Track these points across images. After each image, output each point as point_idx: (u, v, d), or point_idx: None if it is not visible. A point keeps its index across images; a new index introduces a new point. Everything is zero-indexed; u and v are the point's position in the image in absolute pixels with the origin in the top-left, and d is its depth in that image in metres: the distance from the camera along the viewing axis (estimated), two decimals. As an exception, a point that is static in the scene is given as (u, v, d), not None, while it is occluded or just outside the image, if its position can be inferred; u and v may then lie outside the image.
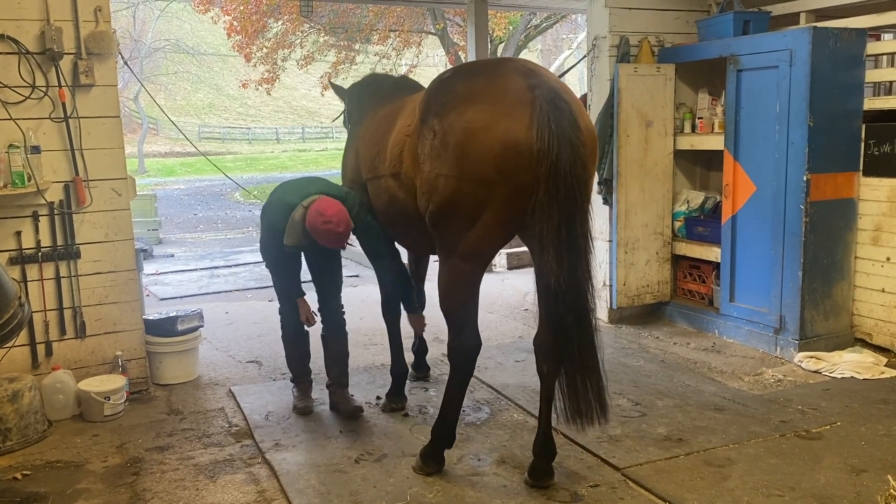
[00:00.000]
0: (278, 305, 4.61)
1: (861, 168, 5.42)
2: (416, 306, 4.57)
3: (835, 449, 3.92)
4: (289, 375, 4.78)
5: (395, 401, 4.62)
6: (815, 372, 5.15)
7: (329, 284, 4.55)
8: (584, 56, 6.46)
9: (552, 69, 20.58)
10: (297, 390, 4.68)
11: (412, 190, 3.67)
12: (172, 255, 11.00)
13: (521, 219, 3.32)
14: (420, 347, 5.09)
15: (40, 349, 4.65)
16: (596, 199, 6.48)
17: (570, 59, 20.44)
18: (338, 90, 5.20)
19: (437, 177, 3.35)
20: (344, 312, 4.61)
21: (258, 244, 4.58)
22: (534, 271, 3.64)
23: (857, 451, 3.90)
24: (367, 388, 4.95)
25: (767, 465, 3.74)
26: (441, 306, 3.61)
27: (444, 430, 3.74)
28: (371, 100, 4.68)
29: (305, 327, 4.54)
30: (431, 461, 3.73)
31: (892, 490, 2.02)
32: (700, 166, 6.61)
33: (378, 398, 4.76)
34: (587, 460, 3.84)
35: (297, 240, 4.06)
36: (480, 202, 3.29)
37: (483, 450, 4.01)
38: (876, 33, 5.79)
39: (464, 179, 3.27)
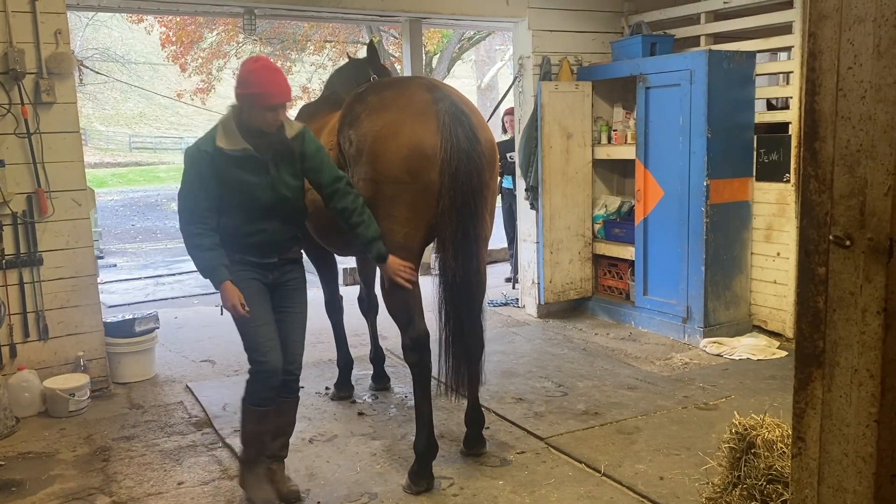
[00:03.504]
0: (246, 357, 3.51)
1: (754, 174, 6.14)
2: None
3: (727, 417, 4.48)
4: (237, 446, 3.76)
5: (342, 390, 5.07)
6: (717, 355, 5.81)
7: (291, 337, 3.61)
8: (514, 80, 7.03)
9: (485, 80, 21.27)
10: (249, 475, 3.62)
11: None
12: (115, 265, 11.16)
13: (433, 217, 3.70)
14: (377, 355, 5.23)
15: (5, 351, 4.92)
16: (524, 205, 7.08)
17: (502, 69, 21.12)
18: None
19: (357, 181, 3.74)
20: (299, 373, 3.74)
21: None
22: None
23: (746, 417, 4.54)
24: (316, 380, 5.38)
25: (669, 431, 4.34)
26: (388, 310, 3.88)
27: (425, 443, 3.75)
28: (302, 116, 4.99)
29: (224, 313, 3.49)
30: (421, 479, 3.72)
31: (735, 421, 2.59)
32: (616, 174, 7.27)
33: (327, 388, 5.20)
34: (515, 433, 4.37)
35: (235, 141, 3.31)
36: (394, 199, 3.64)
37: (424, 428, 4.50)
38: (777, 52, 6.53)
39: (378, 181, 3.65)
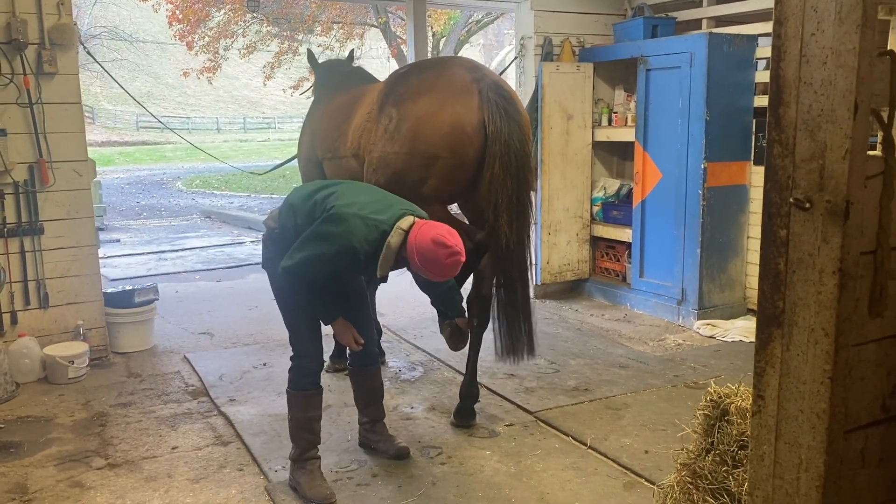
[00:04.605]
0: (291, 353, 3.62)
1: (752, 157, 6.16)
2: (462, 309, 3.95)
3: (715, 395, 4.60)
4: (286, 451, 3.66)
5: (337, 362, 5.14)
6: (710, 337, 5.86)
7: (361, 307, 3.77)
8: (514, 60, 7.05)
9: (494, 63, 21.27)
10: (302, 474, 3.48)
11: None
12: (118, 241, 11.25)
13: (460, 189, 3.97)
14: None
15: (6, 318, 5.01)
16: (523, 185, 7.11)
17: (510, 54, 21.08)
18: (312, 60, 5.38)
19: (388, 154, 3.93)
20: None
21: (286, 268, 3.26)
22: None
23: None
24: (312, 353, 5.45)
25: (657, 408, 4.40)
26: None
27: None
28: (326, 88, 5.13)
29: (354, 347, 3.64)
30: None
31: (710, 390, 2.65)
32: (616, 156, 7.29)
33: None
34: (505, 406, 4.44)
35: (386, 269, 3.26)
36: (425, 172, 3.88)
37: (416, 400, 4.58)
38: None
39: (414, 155, 3.87)
